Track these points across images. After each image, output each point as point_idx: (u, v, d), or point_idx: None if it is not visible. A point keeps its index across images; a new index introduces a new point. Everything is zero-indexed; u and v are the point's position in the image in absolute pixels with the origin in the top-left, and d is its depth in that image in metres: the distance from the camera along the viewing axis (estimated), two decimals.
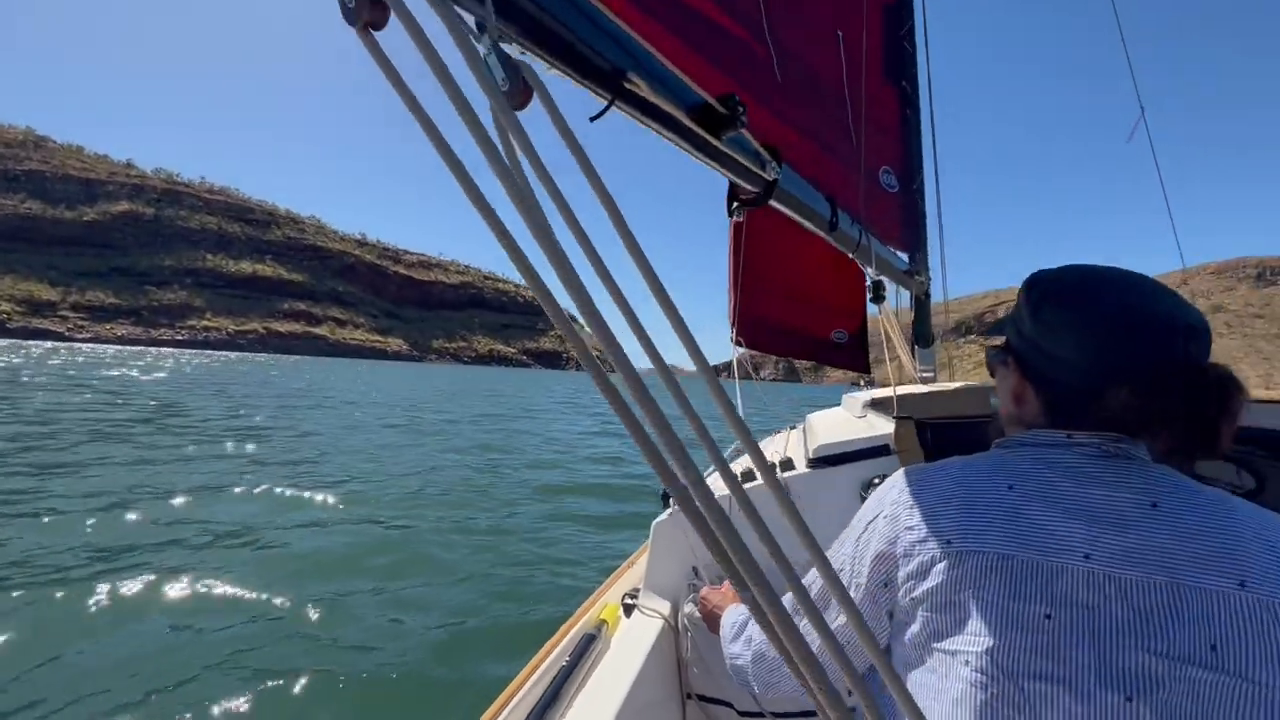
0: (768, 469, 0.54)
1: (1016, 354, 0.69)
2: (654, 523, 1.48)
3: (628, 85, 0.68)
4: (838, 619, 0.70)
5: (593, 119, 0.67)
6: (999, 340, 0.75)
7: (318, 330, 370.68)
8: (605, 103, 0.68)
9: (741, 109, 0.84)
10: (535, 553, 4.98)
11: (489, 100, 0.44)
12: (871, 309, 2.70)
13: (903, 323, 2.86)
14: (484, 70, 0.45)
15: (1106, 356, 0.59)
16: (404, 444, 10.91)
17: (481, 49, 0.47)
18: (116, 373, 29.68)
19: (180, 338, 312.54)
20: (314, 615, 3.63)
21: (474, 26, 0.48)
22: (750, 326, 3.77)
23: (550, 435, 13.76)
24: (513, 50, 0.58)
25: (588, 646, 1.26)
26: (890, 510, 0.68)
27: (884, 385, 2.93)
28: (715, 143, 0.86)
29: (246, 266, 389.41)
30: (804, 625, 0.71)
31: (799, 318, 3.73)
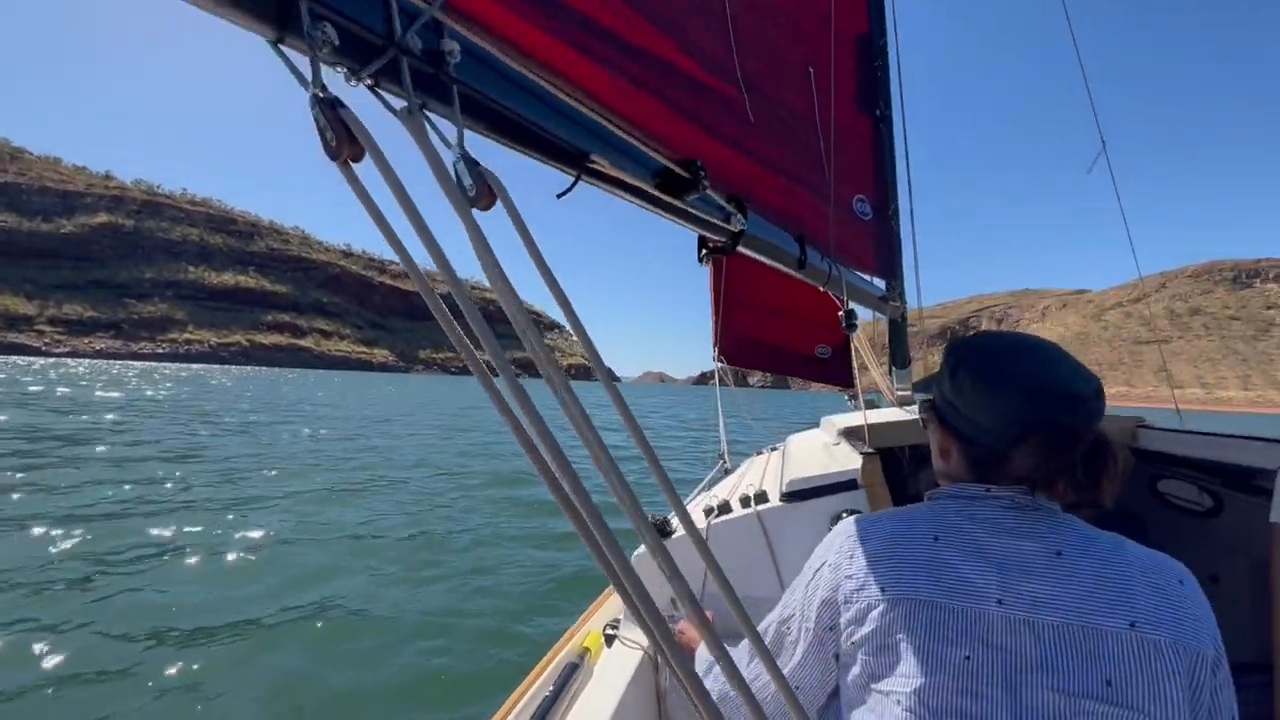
0: (673, 493, 0.60)
1: (940, 414, 0.75)
2: (634, 554, 1.52)
3: (591, 163, 0.72)
4: (790, 662, 0.74)
5: (560, 196, 0.72)
6: (929, 396, 0.80)
7: (302, 342, 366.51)
8: (572, 178, 0.73)
9: (703, 173, 0.89)
10: (480, 586, 4.53)
11: (455, 208, 0.49)
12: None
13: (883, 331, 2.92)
14: (451, 179, 0.49)
15: (1011, 420, 0.66)
16: (352, 464, 9.90)
17: (450, 158, 0.52)
18: (71, 389, 26.96)
19: (161, 351, 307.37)
20: (195, 681, 2.96)
21: (444, 134, 0.53)
22: (734, 345, 3.85)
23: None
24: (481, 131, 0.62)
25: (570, 675, 1.30)
26: (834, 560, 0.73)
27: (869, 394, 3.01)
28: (680, 204, 0.91)
29: (229, 278, 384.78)
30: (758, 669, 0.76)
31: (782, 335, 3.81)
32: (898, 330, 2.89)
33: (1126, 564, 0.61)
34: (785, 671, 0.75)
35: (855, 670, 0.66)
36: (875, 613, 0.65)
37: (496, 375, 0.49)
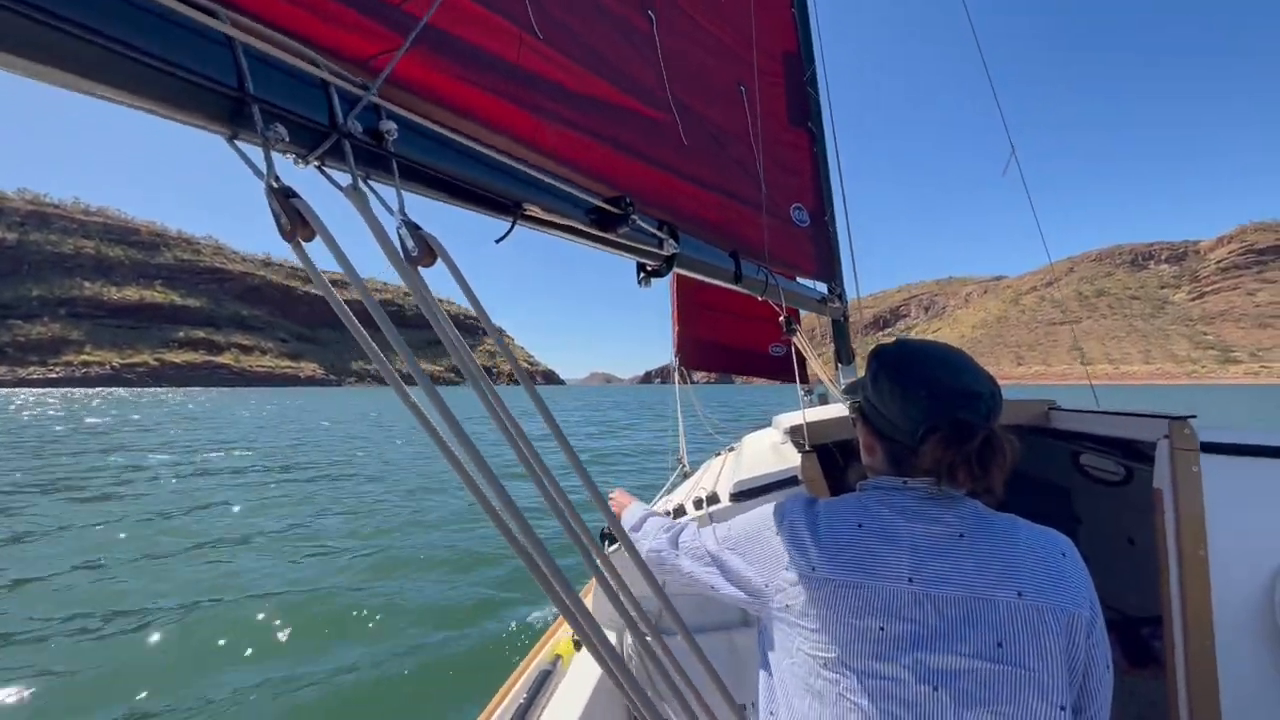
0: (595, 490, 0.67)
1: (864, 414, 0.85)
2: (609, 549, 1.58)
3: (525, 210, 0.77)
4: (699, 567, 0.91)
5: (498, 241, 0.76)
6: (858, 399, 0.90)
7: (220, 359, 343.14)
8: (509, 224, 0.77)
9: (631, 206, 0.95)
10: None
11: (396, 269, 0.53)
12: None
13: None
14: (392, 243, 0.53)
15: (919, 418, 0.77)
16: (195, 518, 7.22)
17: (394, 223, 0.56)
18: None
19: (55, 375, 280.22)
20: None
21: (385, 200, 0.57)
22: (692, 347, 4.00)
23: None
24: (422, 193, 0.66)
25: (544, 682, 1.36)
26: (776, 536, 0.83)
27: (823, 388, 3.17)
28: (614, 237, 0.97)
29: (132, 293, 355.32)
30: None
31: (739, 335, 3.99)
32: (840, 329, 3.04)
33: (1017, 541, 0.72)
34: (691, 568, 0.92)
35: (788, 632, 0.76)
36: (806, 587, 0.75)
37: (414, 385, 0.54)
